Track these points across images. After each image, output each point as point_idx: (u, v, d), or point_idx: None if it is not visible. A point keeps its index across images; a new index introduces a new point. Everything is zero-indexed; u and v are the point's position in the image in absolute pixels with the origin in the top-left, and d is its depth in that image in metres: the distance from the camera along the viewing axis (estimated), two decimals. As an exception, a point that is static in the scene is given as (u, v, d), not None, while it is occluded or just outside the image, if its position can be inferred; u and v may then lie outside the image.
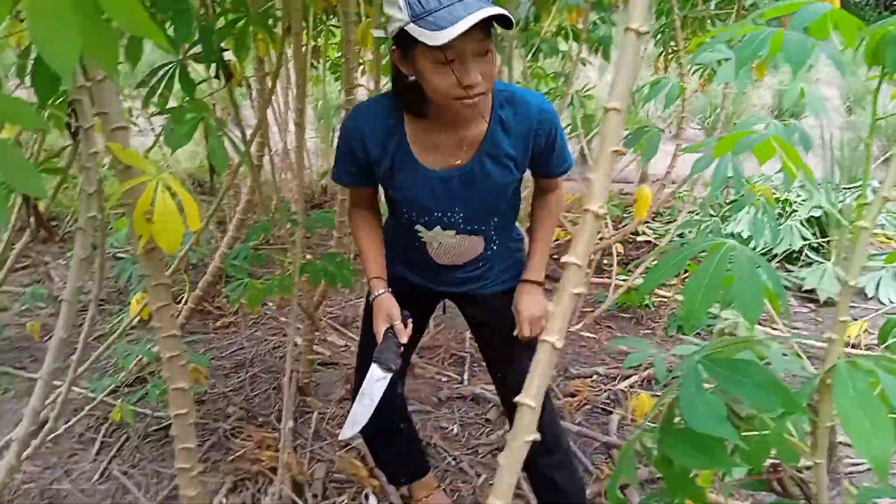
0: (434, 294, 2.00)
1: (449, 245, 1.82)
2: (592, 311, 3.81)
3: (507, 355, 1.95)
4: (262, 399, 3.17)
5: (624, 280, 3.86)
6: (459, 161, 1.68)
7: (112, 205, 1.56)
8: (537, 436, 0.76)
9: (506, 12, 1.36)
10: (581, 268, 0.81)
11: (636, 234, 4.92)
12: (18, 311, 3.84)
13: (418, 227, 1.79)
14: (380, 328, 1.75)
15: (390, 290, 1.81)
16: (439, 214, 1.74)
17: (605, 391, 3.13)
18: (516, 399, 0.79)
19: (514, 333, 1.83)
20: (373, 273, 1.83)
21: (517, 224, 1.98)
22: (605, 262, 4.45)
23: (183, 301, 3.51)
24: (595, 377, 3.27)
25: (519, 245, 1.97)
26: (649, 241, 4.82)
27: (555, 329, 0.80)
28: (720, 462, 0.66)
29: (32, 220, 1.94)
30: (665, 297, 3.99)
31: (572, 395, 3.13)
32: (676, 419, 0.72)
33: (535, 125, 1.66)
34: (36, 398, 1.35)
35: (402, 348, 1.76)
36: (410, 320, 1.80)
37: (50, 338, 3.77)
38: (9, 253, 4.00)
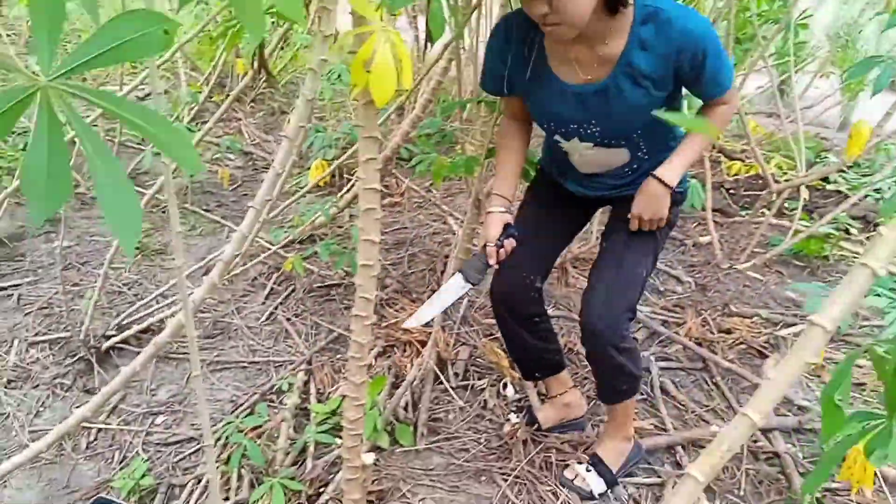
0: (591, 199, 2.03)
1: (589, 156, 1.84)
2: (765, 253, 3.61)
3: (615, 255, 1.92)
4: (418, 277, 3.29)
5: (806, 226, 3.60)
6: (595, 76, 1.67)
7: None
8: (819, 359, 0.72)
9: None
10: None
11: (826, 181, 4.54)
12: (210, 159, 4.15)
13: (557, 137, 1.83)
14: (480, 243, 1.80)
15: (505, 210, 1.89)
16: (575, 126, 1.76)
17: (764, 334, 2.99)
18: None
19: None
20: (494, 188, 1.92)
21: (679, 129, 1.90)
22: (787, 205, 4.17)
23: (355, 177, 3.66)
24: (756, 318, 3.12)
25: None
26: (840, 192, 4.43)
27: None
28: None
29: (257, 63, 2.05)
30: (848, 251, 3.70)
31: (728, 332, 3.02)
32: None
33: (676, 47, 1.58)
34: (245, 225, 1.46)
35: (489, 267, 1.89)
36: (512, 242, 1.87)
37: (237, 186, 4.11)
38: (218, 99, 4.30)
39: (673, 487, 2.17)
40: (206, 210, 3.73)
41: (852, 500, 2.16)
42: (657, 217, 1.81)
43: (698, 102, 1.81)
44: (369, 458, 1.74)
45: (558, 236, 2.13)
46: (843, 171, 4.59)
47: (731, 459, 2.26)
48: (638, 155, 1.84)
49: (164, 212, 3.69)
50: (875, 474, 1.86)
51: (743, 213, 4.24)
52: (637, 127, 1.76)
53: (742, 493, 2.19)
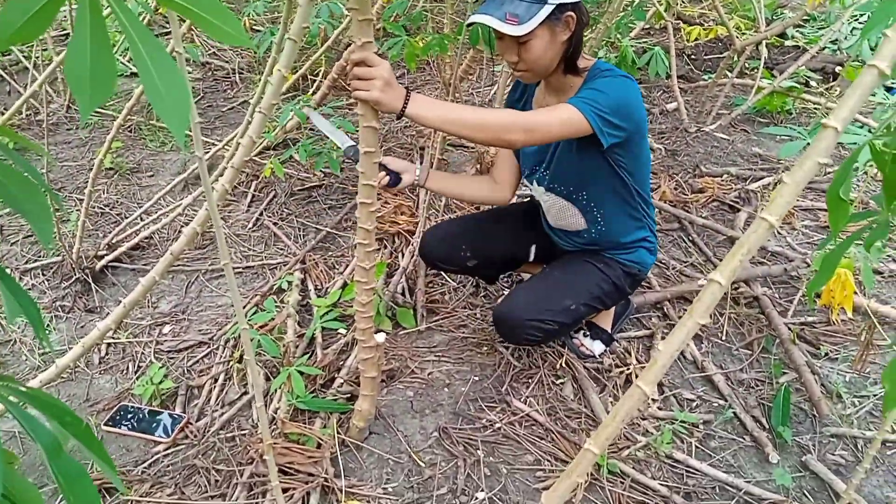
0: (557, 246, 2.22)
1: (548, 204, 2.07)
2: (730, 113, 3.69)
3: (549, 277, 2.11)
4: (396, 171, 3.31)
5: (768, 83, 3.67)
6: None
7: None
8: (829, 160, 0.77)
9: (500, 27, 1.60)
10: (838, 133, 0.72)
11: (783, 36, 4.58)
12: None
13: (525, 178, 2.11)
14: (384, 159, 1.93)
15: (419, 172, 1.98)
16: (533, 166, 2.02)
17: (734, 190, 3.10)
18: (823, 121, 0.75)
19: None
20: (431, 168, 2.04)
21: (649, 240, 2.09)
22: (748, 65, 4.22)
23: (321, 76, 3.61)
24: (725, 176, 3.23)
25: (635, 256, 2.07)
26: (798, 46, 4.49)
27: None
28: None
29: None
30: (810, 103, 3.79)
31: (701, 192, 3.13)
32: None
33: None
34: (253, 129, 1.47)
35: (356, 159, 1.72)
36: (386, 179, 1.92)
37: (199, 99, 4.03)
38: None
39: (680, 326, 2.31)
40: (173, 125, 3.65)
41: (827, 333, 2.32)
42: (364, 91, 1.44)
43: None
44: (381, 337, 1.83)
45: (517, 245, 2.29)
46: (801, 26, 4.63)
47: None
48: (594, 226, 2.03)
49: (131, 130, 3.62)
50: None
51: (706, 76, 4.29)
52: (580, 183, 1.94)
53: (725, 335, 2.34)
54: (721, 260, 2.46)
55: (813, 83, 4.02)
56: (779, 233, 2.86)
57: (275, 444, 1.86)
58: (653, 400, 2.10)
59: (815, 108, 3.77)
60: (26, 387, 0.68)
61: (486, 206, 2.29)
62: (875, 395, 2.09)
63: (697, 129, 3.65)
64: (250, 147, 1.57)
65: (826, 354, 2.24)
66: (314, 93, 3.44)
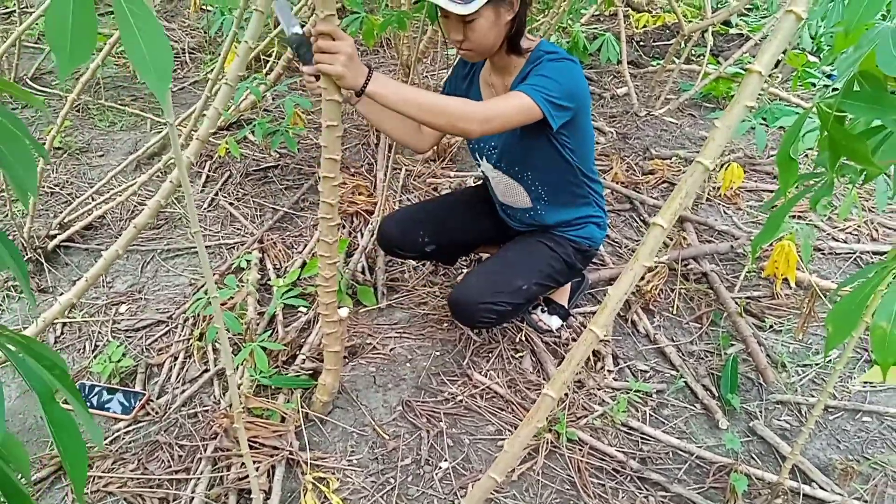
0: (508, 226, 2.25)
1: (495, 180, 2.11)
2: (678, 98, 3.79)
3: (502, 260, 2.15)
4: (353, 153, 3.32)
5: (714, 69, 3.78)
6: None
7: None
8: (755, 103, 0.82)
9: (446, 5, 1.61)
10: (762, 77, 0.79)
11: (728, 24, 4.72)
12: (115, 52, 3.95)
13: (474, 154, 2.13)
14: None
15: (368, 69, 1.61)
16: (482, 145, 2.06)
17: (683, 172, 3.20)
18: (748, 66, 0.80)
19: None
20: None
21: (597, 216, 2.14)
22: (695, 51, 4.34)
23: (274, 57, 3.58)
24: (675, 159, 3.32)
25: (584, 232, 2.12)
26: (742, 34, 4.63)
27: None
28: (894, 108, 0.74)
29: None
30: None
31: (651, 173, 3.21)
32: (855, 87, 0.79)
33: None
34: (219, 101, 1.47)
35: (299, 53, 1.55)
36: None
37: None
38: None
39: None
40: (123, 105, 3.59)
41: (771, 307, 2.43)
42: (328, 65, 1.43)
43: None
44: (344, 311, 1.85)
45: (473, 228, 2.33)
46: (745, 14, 4.77)
47: (664, 282, 2.49)
48: (539, 204, 2.09)
49: (79, 110, 3.54)
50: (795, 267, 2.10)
51: (654, 62, 4.39)
52: (525, 163, 1.99)
53: (676, 310, 2.43)
54: (671, 239, 2.54)
55: (756, 70, 4.15)
56: (726, 212, 2.97)
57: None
58: (608, 371, 2.17)
59: (759, 94, 3.90)
60: (22, 336, 0.69)
61: (403, 145, 2.16)
62: (817, 364, 2.20)
63: (647, 113, 3.74)
64: (216, 118, 1.58)
65: (771, 327, 2.34)
66: (268, 73, 3.41)
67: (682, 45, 3.81)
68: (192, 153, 1.57)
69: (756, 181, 3.18)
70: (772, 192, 3.10)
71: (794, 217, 2.78)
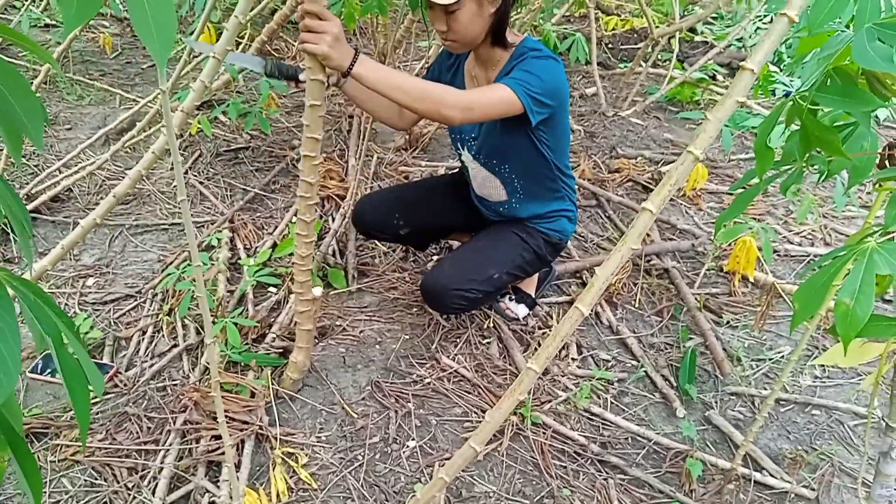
0: (483, 216, 2.30)
1: (474, 172, 2.15)
2: (644, 101, 3.89)
3: (474, 247, 2.22)
4: (325, 139, 3.33)
5: (680, 73, 3.89)
6: None
7: None
8: (745, 99, 0.87)
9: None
10: (754, 75, 0.85)
11: (693, 31, 4.85)
12: (86, 26, 3.88)
13: (456, 144, 2.17)
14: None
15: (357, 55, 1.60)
16: (463, 135, 2.10)
17: (647, 171, 3.29)
18: (742, 63, 0.85)
19: None
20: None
21: (569, 210, 2.19)
22: (661, 56, 4.44)
23: (246, 38, 3.56)
24: (640, 158, 3.41)
25: (556, 225, 2.18)
26: (706, 42, 4.76)
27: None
28: (865, 101, 0.80)
29: None
30: (717, 95, 4.04)
31: (617, 171, 3.30)
32: (828, 82, 0.85)
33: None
34: (206, 74, 1.48)
35: (280, 71, 1.70)
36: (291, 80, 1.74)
37: (118, 54, 3.89)
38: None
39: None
40: (91, 79, 3.53)
41: (729, 303, 2.52)
42: (314, 45, 1.46)
43: None
44: (317, 291, 1.87)
45: (448, 214, 2.37)
46: (710, 23, 4.90)
47: (628, 276, 2.57)
48: (514, 197, 2.13)
49: (47, 83, 3.47)
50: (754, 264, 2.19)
51: (622, 65, 4.49)
52: (503, 157, 2.03)
53: (638, 303, 2.50)
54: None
55: (720, 76, 4.28)
56: (687, 212, 3.06)
57: (209, 393, 1.88)
58: (572, 359, 2.23)
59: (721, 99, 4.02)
60: (34, 286, 0.71)
61: (383, 123, 2.16)
62: (770, 360, 2.29)
63: (614, 113, 3.83)
64: (201, 91, 1.59)
65: (728, 322, 2.43)
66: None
67: (650, 49, 3.91)
68: (175, 125, 1.58)
69: (717, 184, 3.29)
70: (731, 195, 3.20)
71: (755, 219, 2.89)
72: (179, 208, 2.72)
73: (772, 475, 1.89)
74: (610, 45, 4.80)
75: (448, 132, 2.16)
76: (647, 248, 2.68)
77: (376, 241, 2.66)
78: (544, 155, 2.00)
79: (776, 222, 3.01)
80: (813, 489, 1.86)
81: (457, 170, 2.30)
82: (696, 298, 2.48)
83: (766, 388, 2.18)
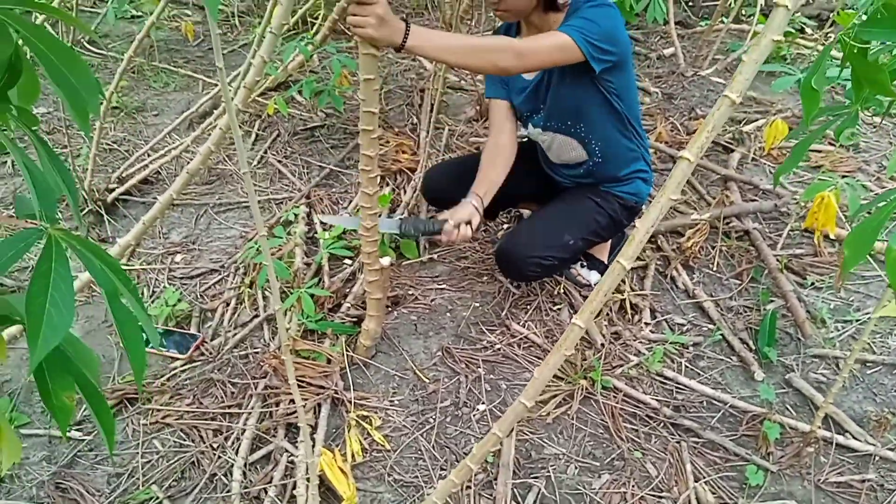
0: (556, 183, 2.28)
1: (545, 143, 2.15)
2: (726, 58, 3.74)
3: (550, 214, 2.20)
4: (397, 113, 3.37)
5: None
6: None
7: None
8: (783, 36, 0.85)
9: None
10: (789, 12, 0.81)
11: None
12: (168, 16, 4.07)
13: (520, 123, 2.19)
14: (442, 216, 2.01)
15: (476, 206, 2.03)
16: (528, 112, 2.10)
17: (728, 132, 3.17)
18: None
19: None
20: (474, 188, 2.08)
21: (644, 171, 2.16)
22: (744, 11, 4.25)
23: (320, 19, 3.64)
24: (720, 119, 3.29)
25: (631, 188, 2.15)
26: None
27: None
28: None
29: None
30: (804, 49, 3.84)
31: (695, 133, 3.19)
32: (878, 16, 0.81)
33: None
34: (264, 49, 1.53)
35: (432, 235, 2.01)
36: (468, 232, 2.01)
37: (200, 41, 4.05)
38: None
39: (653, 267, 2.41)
40: (176, 66, 3.70)
41: (814, 264, 2.42)
42: (360, 29, 1.49)
43: None
44: (386, 260, 1.91)
45: (517, 183, 2.29)
46: (798, -27, 4.64)
47: (705, 239, 2.50)
48: (593, 157, 2.09)
49: (135, 72, 3.66)
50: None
51: (702, 23, 4.32)
52: (576, 115, 2.00)
53: (716, 266, 2.44)
54: (714, 198, 2.54)
55: (808, 29, 4.06)
56: (771, 172, 2.94)
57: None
58: (646, 324, 2.20)
59: (810, 53, 3.82)
60: (90, 243, 0.77)
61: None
62: (857, 321, 2.20)
63: (694, 73, 3.70)
64: (261, 67, 1.63)
65: (812, 284, 2.34)
66: (315, 34, 3.47)
67: (731, 4, 3.75)
68: (239, 101, 1.64)
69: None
70: (819, 152, 3.06)
71: (843, 176, 2.75)
72: (260, 187, 2.83)
73: (855, 438, 1.82)
74: (690, 3, 4.62)
75: (515, 111, 2.15)
76: (726, 210, 2.59)
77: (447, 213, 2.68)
78: (615, 107, 1.96)
79: (868, 179, 2.85)
80: (900, 453, 1.79)
81: (525, 139, 2.29)
82: (777, 260, 2.39)
83: (851, 351, 2.09)
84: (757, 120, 3.25)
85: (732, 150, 3.06)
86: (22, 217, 0.86)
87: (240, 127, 3.24)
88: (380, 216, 1.92)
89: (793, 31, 3.82)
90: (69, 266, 0.69)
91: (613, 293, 2.31)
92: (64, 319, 0.66)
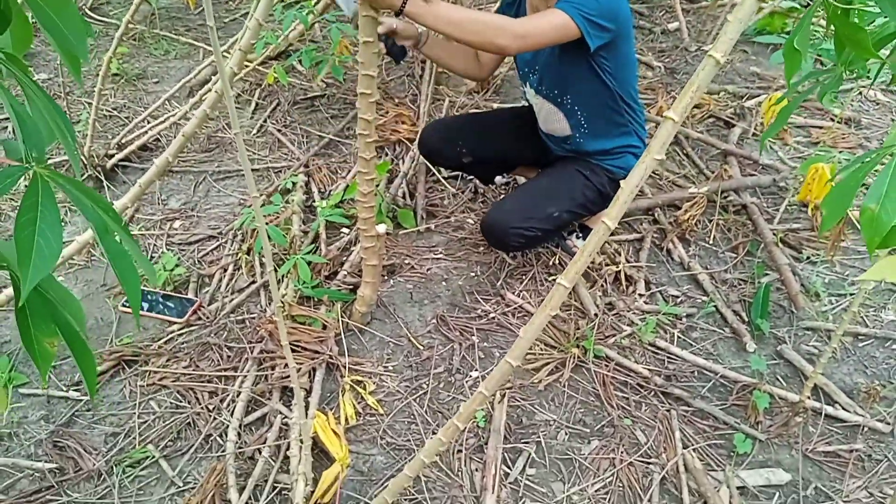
0: (549, 150, 2.29)
1: (537, 105, 2.16)
2: (729, 32, 3.71)
3: (536, 185, 2.24)
4: (398, 83, 3.36)
5: (769, 3, 3.68)
6: None
7: None
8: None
9: None
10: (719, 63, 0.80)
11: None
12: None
13: (520, 80, 2.19)
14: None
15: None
16: (526, 70, 2.10)
17: (730, 107, 3.16)
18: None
19: None
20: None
21: (636, 146, 2.15)
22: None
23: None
24: (722, 94, 3.28)
25: (621, 162, 2.15)
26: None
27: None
28: None
29: None
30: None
31: (697, 107, 3.18)
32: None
33: None
34: (259, 12, 1.53)
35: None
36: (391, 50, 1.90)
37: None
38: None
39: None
40: (177, 34, 3.69)
41: (810, 239, 2.42)
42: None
43: None
44: (382, 228, 1.92)
45: (513, 146, 2.37)
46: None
47: (702, 213, 2.50)
48: (578, 131, 2.11)
49: (136, 39, 3.65)
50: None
51: (708, -3, 4.28)
52: (564, 87, 2.01)
53: (713, 239, 2.44)
54: (713, 172, 2.54)
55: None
56: (772, 147, 2.93)
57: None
58: (640, 295, 2.21)
59: (815, 29, 3.79)
60: (78, 183, 0.78)
61: (465, 76, 2.27)
62: (851, 294, 2.20)
63: (698, 48, 3.68)
64: (256, 29, 1.63)
65: (808, 258, 2.34)
66: (316, 3, 3.45)
67: (737, -22, 3.71)
68: (234, 63, 1.64)
69: (806, 117, 3.12)
70: (820, 128, 3.04)
71: (842, 152, 2.74)
72: (259, 155, 2.84)
73: (844, 409, 1.84)
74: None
75: (515, 66, 2.15)
76: (724, 184, 2.59)
77: (444, 183, 2.68)
78: (607, 84, 1.96)
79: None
80: (888, 423, 1.80)
81: (527, 104, 2.29)
82: (773, 233, 2.39)
83: (841, 322, 2.10)
84: (759, 95, 3.23)
85: (733, 126, 3.04)
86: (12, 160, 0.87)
87: (240, 95, 3.25)
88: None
89: (798, 6, 3.79)
90: (55, 201, 0.70)
91: (608, 265, 2.32)
92: (53, 249, 0.67)
